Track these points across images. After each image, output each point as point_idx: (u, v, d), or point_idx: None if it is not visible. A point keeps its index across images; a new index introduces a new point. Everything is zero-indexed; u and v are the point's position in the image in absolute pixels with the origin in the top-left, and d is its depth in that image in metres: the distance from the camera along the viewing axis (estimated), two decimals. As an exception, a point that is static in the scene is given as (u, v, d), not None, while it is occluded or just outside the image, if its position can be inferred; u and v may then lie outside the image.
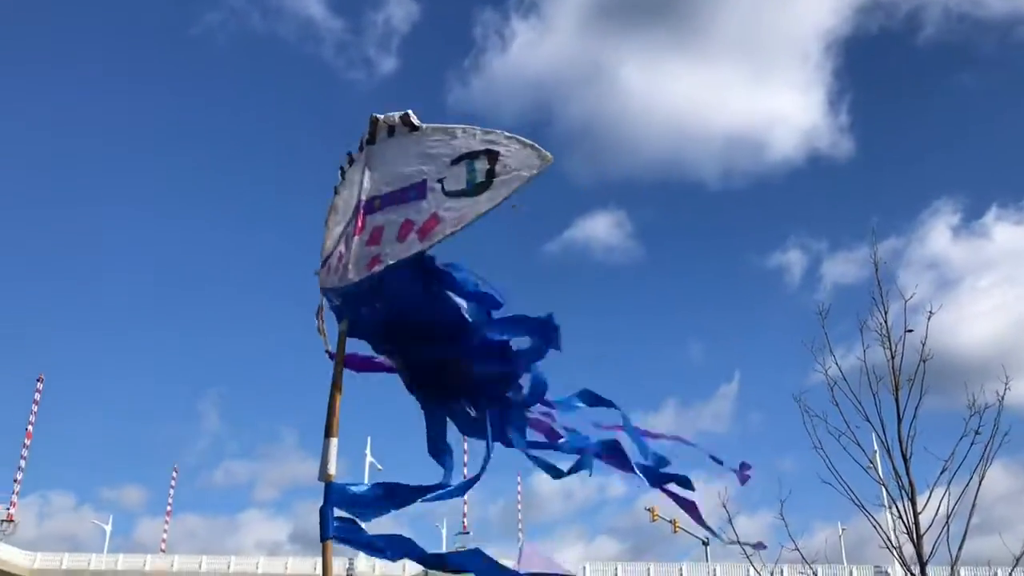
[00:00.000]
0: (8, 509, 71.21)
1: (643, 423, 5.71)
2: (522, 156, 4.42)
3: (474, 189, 4.52)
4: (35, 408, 75.70)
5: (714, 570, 56.56)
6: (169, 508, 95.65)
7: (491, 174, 4.48)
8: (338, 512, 4.51)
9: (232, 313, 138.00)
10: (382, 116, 5.16)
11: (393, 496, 4.73)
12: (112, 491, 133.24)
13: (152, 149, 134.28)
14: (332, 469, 4.63)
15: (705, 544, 47.64)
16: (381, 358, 5.49)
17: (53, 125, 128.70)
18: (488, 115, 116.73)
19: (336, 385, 4.84)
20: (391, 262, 4.65)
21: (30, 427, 75.70)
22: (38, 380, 76.06)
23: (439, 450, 5.13)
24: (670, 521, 42.82)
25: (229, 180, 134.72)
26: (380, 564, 58.32)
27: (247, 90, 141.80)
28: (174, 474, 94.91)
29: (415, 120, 5.02)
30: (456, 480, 4.99)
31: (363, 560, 56.53)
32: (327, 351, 5.26)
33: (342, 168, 5.44)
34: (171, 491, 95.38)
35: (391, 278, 4.76)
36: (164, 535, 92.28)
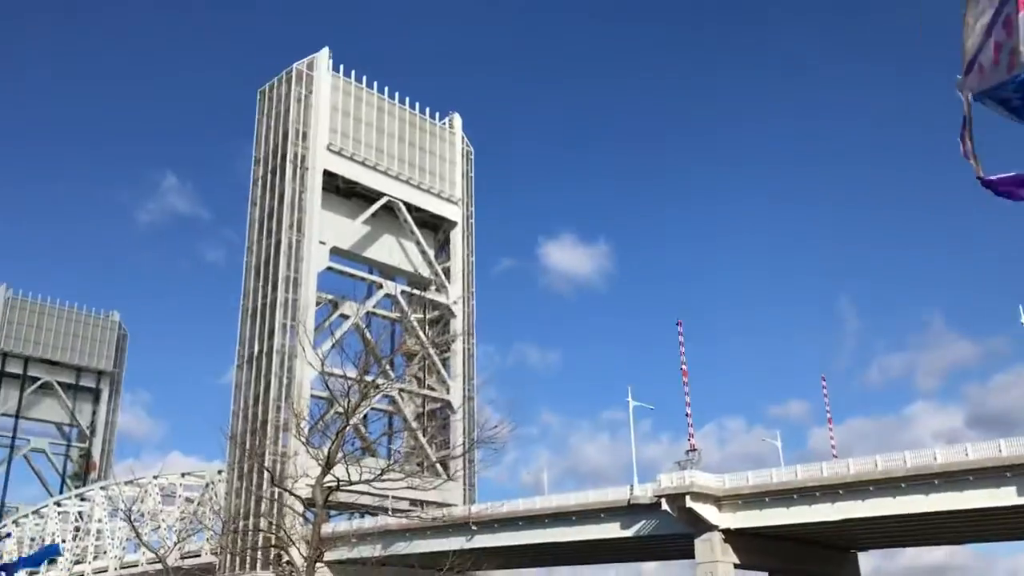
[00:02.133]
0: (690, 440, 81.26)
1: None
2: None
3: None
4: (682, 350, 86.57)
5: None
6: (828, 415, 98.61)
7: None
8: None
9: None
10: None
11: None
12: (777, 408, 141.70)
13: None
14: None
15: None
16: None
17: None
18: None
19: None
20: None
21: (683, 367, 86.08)
22: (678, 324, 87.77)
23: None
24: None
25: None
26: None
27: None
28: (823, 383, 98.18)
29: None
30: None
31: None
32: (979, 177, 4.75)
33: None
34: (825, 399, 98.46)
35: None
36: (832, 441, 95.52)
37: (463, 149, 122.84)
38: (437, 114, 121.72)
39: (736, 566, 68.81)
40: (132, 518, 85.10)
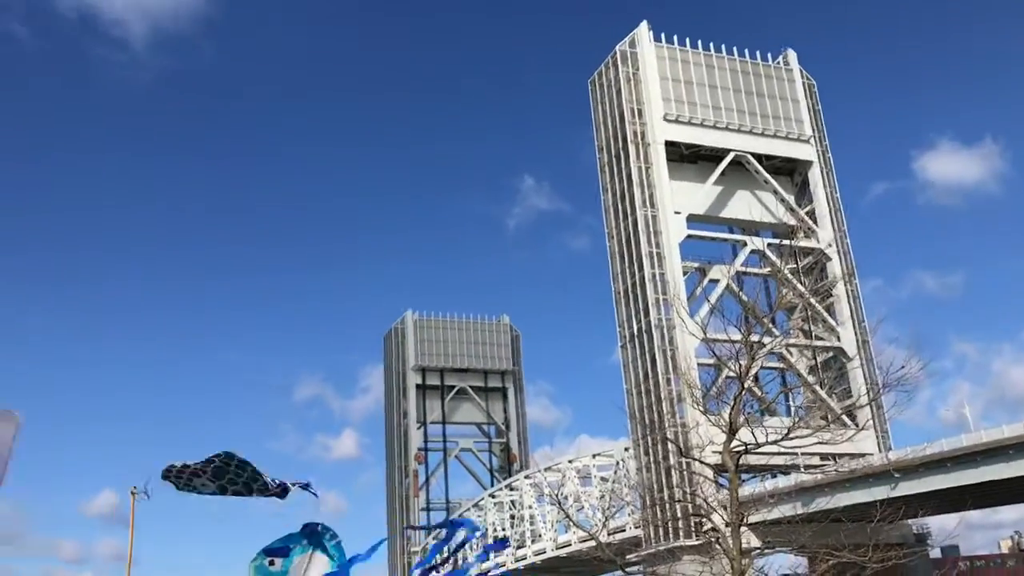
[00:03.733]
0: None
1: None
2: None
3: None
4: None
5: None
6: None
7: None
8: None
9: None
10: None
11: None
12: None
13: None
14: None
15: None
16: None
17: None
18: None
19: None
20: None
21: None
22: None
23: None
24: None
25: None
26: None
27: None
28: None
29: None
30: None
31: None
32: None
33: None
34: None
35: None
36: None
37: (804, 84, 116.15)
38: (769, 55, 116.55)
39: None
40: (560, 502, 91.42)
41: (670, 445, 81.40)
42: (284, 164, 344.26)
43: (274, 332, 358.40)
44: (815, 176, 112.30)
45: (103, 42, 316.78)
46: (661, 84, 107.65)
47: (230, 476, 12.33)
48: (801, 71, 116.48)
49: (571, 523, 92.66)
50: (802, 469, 79.89)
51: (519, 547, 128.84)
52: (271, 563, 11.96)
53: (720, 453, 32.61)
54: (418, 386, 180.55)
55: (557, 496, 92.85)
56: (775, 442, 32.49)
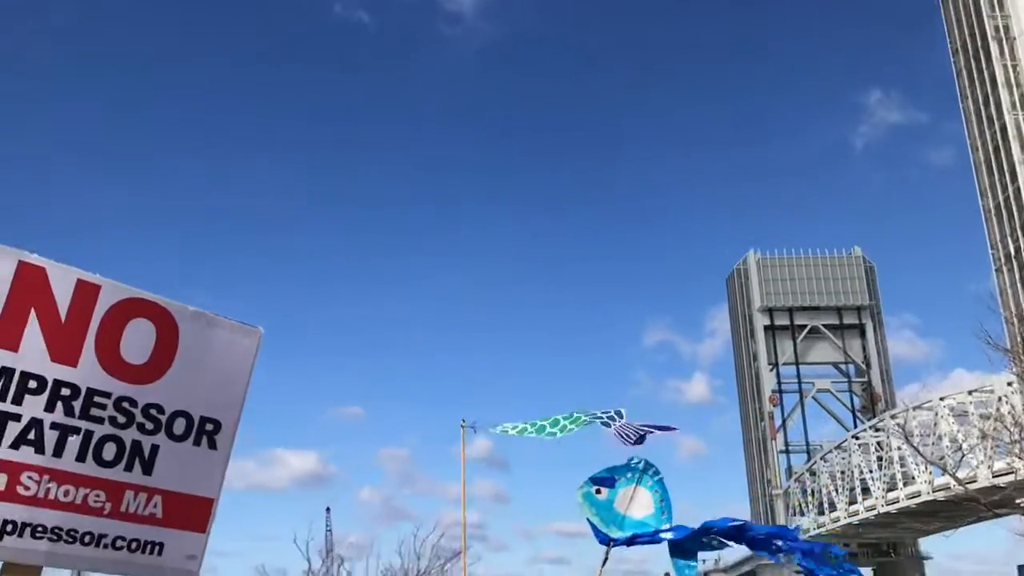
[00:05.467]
0: None
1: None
2: None
3: None
4: None
5: None
6: None
7: None
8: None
9: None
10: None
11: None
12: None
13: None
14: None
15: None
16: None
17: None
18: None
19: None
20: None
21: None
22: None
23: None
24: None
25: None
26: None
27: None
28: None
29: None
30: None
31: None
32: None
33: None
34: None
35: None
36: None
37: None
38: None
39: None
40: (931, 442, 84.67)
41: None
42: (613, 113, 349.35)
43: (621, 281, 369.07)
44: None
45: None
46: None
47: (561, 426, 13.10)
48: None
49: (943, 470, 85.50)
50: None
51: (889, 490, 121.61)
52: (598, 492, 12.32)
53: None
54: (766, 327, 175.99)
55: (926, 437, 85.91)
56: None
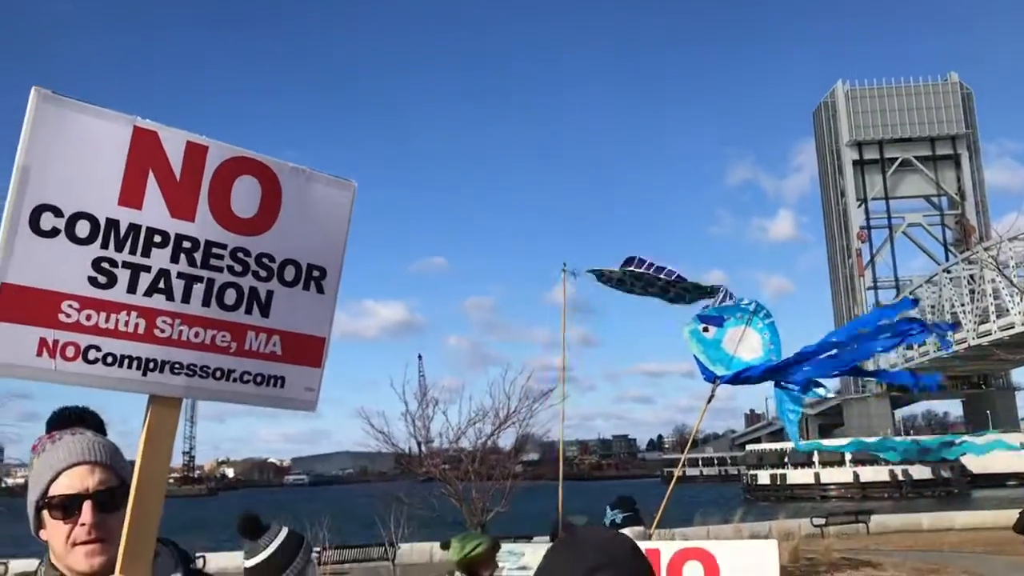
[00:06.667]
0: None
1: None
2: None
3: None
4: None
5: None
6: None
7: None
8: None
9: None
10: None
11: None
12: None
13: None
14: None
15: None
16: None
17: None
18: None
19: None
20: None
21: None
22: None
23: None
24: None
25: None
26: None
27: None
28: None
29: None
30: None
31: None
32: None
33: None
34: None
35: None
36: None
37: None
38: None
39: None
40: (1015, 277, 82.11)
41: None
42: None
43: (701, 119, 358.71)
44: None
45: None
46: None
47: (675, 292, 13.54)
48: None
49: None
50: None
51: (981, 323, 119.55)
52: (705, 330, 12.27)
53: None
54: (855, 162, 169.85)
55: (1022, 268, 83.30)
56: None
